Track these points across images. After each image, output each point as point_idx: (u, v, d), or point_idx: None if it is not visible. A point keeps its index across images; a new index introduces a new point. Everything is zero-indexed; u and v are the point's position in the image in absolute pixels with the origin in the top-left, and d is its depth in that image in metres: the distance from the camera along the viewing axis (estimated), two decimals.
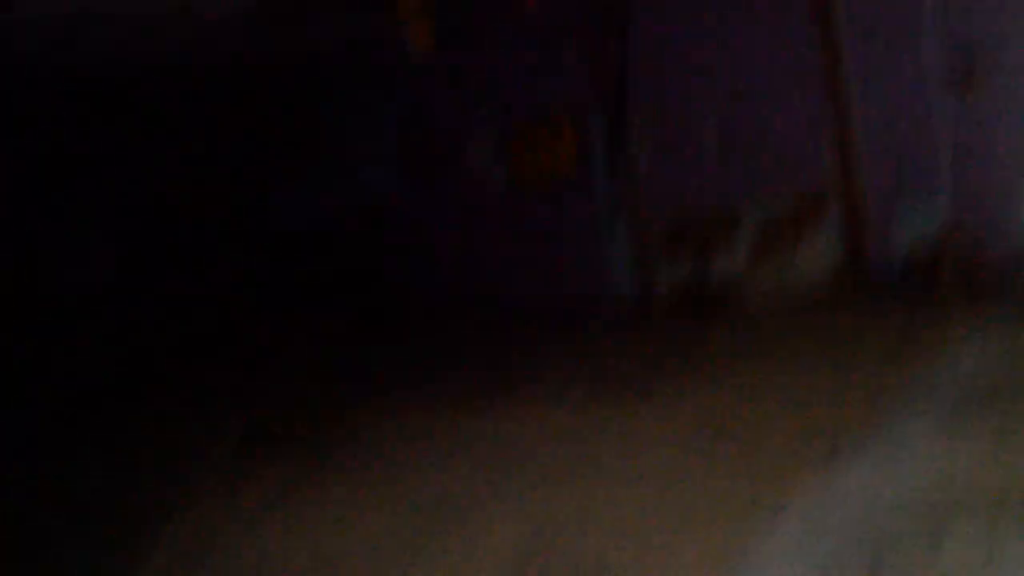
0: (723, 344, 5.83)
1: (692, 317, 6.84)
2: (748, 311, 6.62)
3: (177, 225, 10.14)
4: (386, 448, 4.60)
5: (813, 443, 3.61)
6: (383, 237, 9.56)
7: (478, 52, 8.14)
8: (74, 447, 5.72)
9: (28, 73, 7.84)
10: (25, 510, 4.42)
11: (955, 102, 5.84)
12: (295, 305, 9.64)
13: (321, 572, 3.28)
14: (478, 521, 3.39)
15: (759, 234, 6.77)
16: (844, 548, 2.69)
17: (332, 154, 9.94)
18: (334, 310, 9.35)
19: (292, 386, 6.72)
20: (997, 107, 5.75)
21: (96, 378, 7.58)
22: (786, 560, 2.73)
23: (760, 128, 6.59)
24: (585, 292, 7.80)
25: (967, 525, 2.65)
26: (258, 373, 7.42)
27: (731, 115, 6.73)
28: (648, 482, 3.53)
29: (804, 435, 3.74)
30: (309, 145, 10.13)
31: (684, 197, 7.12)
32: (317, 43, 8.39)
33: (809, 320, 5.93)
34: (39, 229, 9.34)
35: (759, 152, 6.63)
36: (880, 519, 2.83)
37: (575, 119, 7.55)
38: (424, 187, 9.01)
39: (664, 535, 3.03)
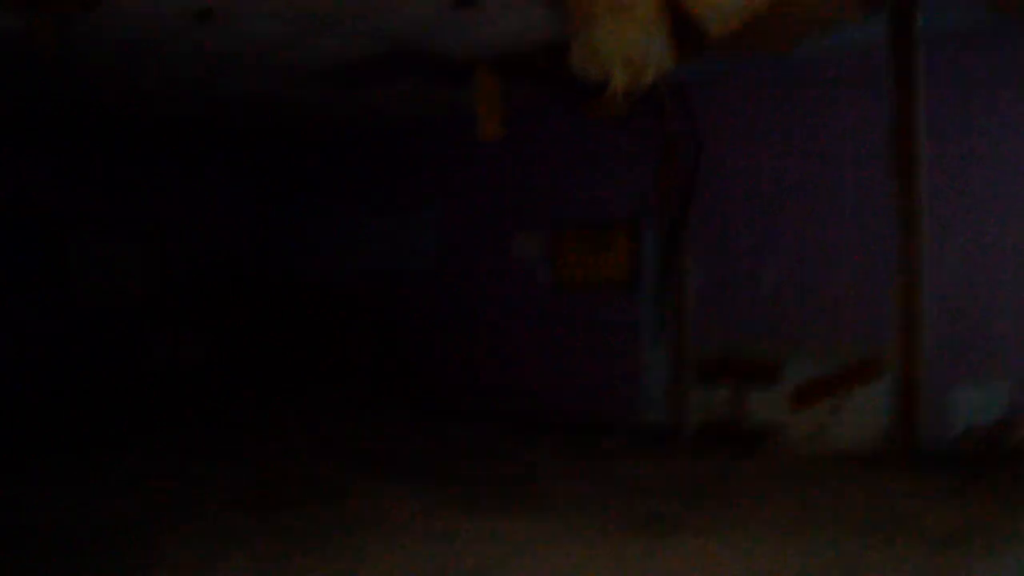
0: (756, 484, 5.44)
1: (724, 452, 6.45)
2: (784, 456, 6.22)
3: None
4: (376, 537, 4.22)
5: None
6: (415, 314, 9.32)
7: (540, 145, 8.07)
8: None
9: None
10: None
11: None
12: (317, 377, 9.49)
13: None
14: None
15: (805, 382, 6.41)
16: None
17: (375, 221, 9.82)
18: (356, 386, 9.17)
19: (297, 459, 6.45)
20: None
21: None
22: None
23: (823, 278, 6.34)
24: (617, 410, 7.44)
25: None
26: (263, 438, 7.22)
27: (794, 259, 6.49)
28: None
29: None
30: (350, 209, 10.04)
31: (731, 332, 6.81)
32: (395, 107, 8.36)
33: (848, 477, 5.51)
34: None
35: (818, 302, 6.35)
36: None
37: (631, 231, 7.35)
38: (464, 270, 8.81)
39: None
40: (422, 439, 7.28)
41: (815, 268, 6.39)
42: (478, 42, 6.15)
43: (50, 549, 4.18)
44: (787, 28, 5.72)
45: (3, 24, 5.59)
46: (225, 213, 10.56)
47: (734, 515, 4.63)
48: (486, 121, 6.45)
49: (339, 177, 10.18)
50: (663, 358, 7.17)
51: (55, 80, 7.22)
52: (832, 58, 6.30)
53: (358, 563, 3.89)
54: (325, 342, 9.60)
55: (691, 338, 7.02)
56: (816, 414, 6.38)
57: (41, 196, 8.97)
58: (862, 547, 4.02)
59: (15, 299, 8.71)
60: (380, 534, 4.33)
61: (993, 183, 5.74)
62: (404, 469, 6.01)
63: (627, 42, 4.60)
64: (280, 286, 10.43)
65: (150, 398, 9.23)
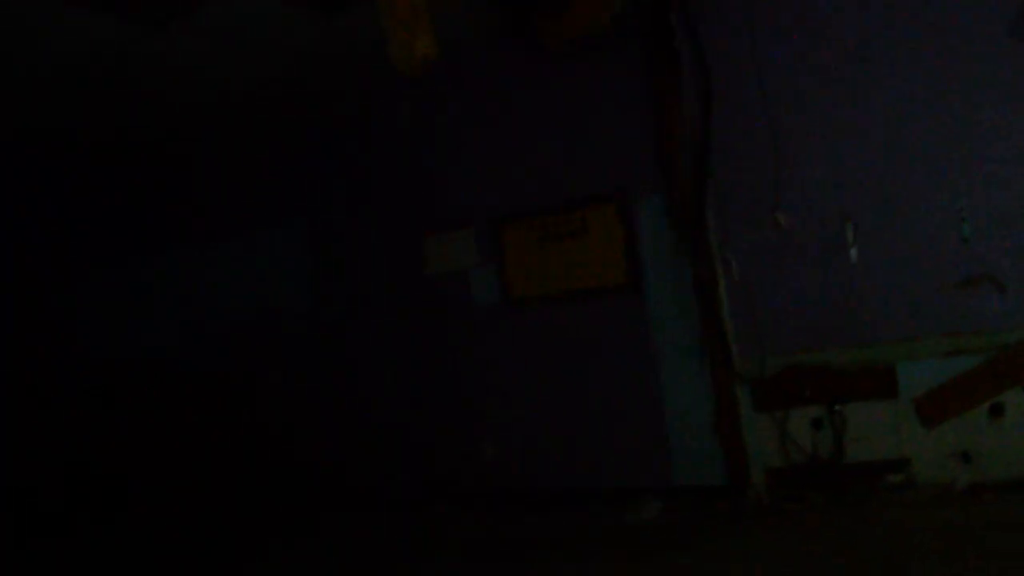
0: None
1: (825, 512, 4.25)
2: (920, 501, 4.11)
3: None
4: None
5: None
6: (288, 381, 6.40)
7: (464, 94, 5.54)
8: None
9: None
10: None
11: None
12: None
13: None
14: None
15: (930, 391, 4.36)
16: None
17: (208, 251, 6.79)
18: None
19: None
20: None
21: None
22: None
23: (937, 234, 4.30)
24: (637, 469, 5.02)
25: None
26: None
27: (886, 210, 4.42)
28: None
29: None
30: (171, 240, 6.96)
31: (802, 332, 4.63)
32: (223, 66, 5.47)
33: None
34: None
35: (935, 266, 4.31)
36: None
37: (621, 211, 4.99)
38: (355, 305, 6.06)
39: None
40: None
41: (928, 221, 4.34)
42: None
43: None
44: None
45: None
46: None
47: None
48: (412, 38, 3.85)
49: (142, 199, 7.04)
50: (699, 384, 4.86)
51: None
52: None
53: None
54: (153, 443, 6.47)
55: (736, 351, 4.77)
56: (955, 432, 4.34)
57: None
58: None
59: None
60: None
61: None
62: None
63: None
64: (88, 369, 7.13)
65: None
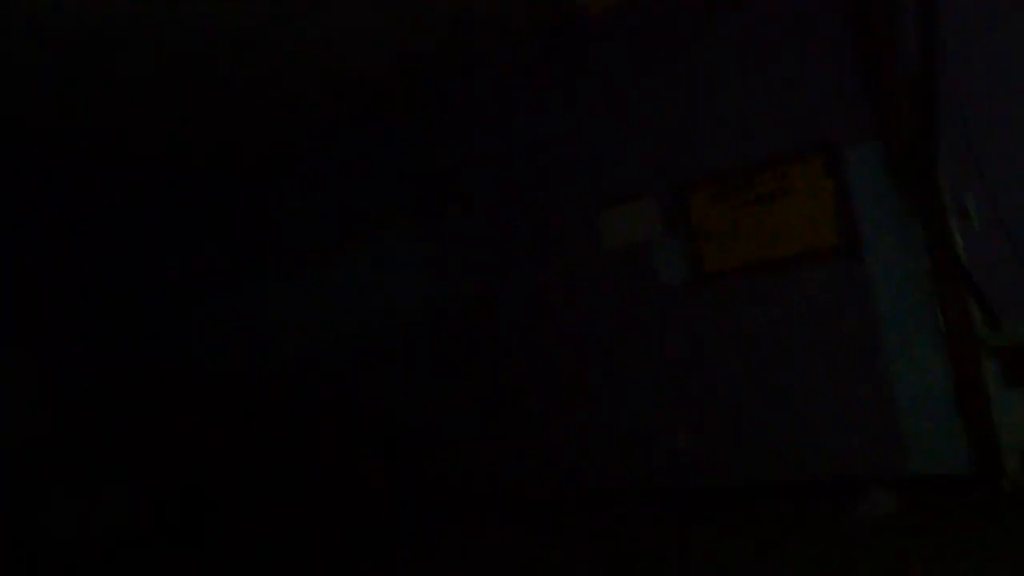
0: None
1: None
2: None
3: None
4: None
5: None
6: (451, 375, 6.15)
7: (632, 48, 5.08)
8: None
9: None
10: None
11: None
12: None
13: None
14: None
15: None
16: None
17: (358, 246, 6.63)
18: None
19: None
20: None
21: None
22: None
23: None
24: (860, 457, 4.43)
25: None
26: None
27: None
28: None
29: None
30: (310, 237, 6.85)
31: None
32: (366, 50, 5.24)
33: None
34: None
35: None
36: None
37: (827, 164, 4.41)
38: (524, 291, 5.72)
39: None
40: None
41: None
42: None
43: None
44: None
45: None
46: (116, 302, 7.15)
47: None
48: None
49: (267, 208, 6.97)
50: (934, 358, 4.22)
51: None
52: None
53: None
54: (316, 457, 6.34)
55: (979, 317, 4.10)
56: None
57: None
58: None
59: None
60: None
61: None
62: None
63: None
64: (227, 391, 7.12)
65: None
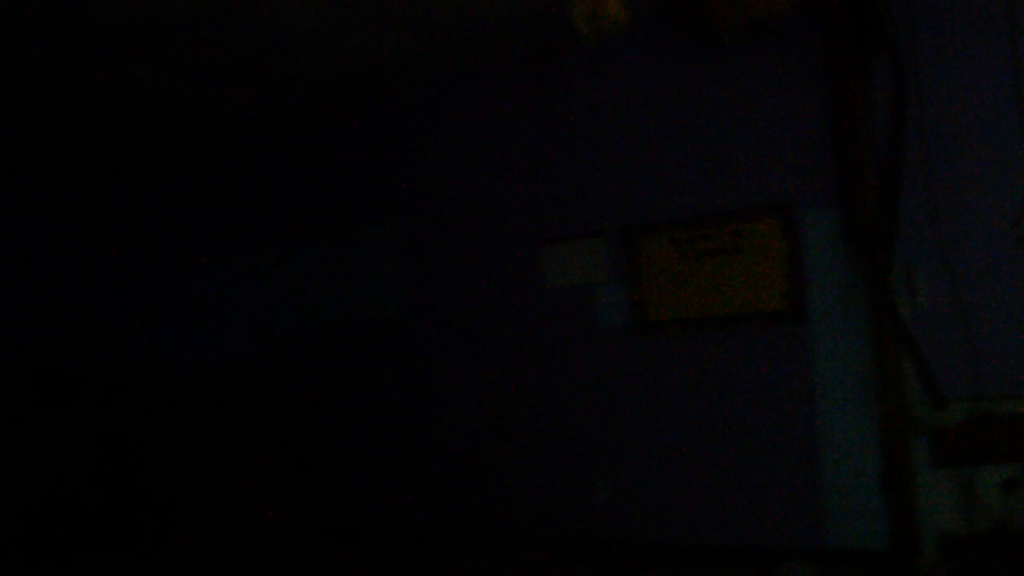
0: None
1: None
2: None
3: None
4: None
5: None
6: (377, 399, 5.80)
7: (603, 85, 4.99)
8: None
9: None
10: None
11: None
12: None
13: None
14: None
15: None
16: None
17: (284, 251, 6.25)
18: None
19: None
20: None
21: None
22: None
23: None
24: (779, 527, 4.36)
25: None
26: None
27: None
28: None
29: None
30: (246, 234, 6.43)
31: (998, 374, 4.00)
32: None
33: None
34: None
35: None
36: None
37: (783, 225, 4.40)
38: (456, 317, 5.46)
39: None
40: None
41: None
42: None
43: None
44: None
45: None
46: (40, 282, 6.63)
47: None
48: (602, 5, 3.32)
49: (219, 195, 6.54)
50: (865, 431, 4.21)
51: None
52: None
53: None
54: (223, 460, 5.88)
55: (914, 394, 4.13)
56: None
57: None
58: None
59: None
60: None
61: None
62: None
63: None
64: (148, 380, 6.59)
65: None
